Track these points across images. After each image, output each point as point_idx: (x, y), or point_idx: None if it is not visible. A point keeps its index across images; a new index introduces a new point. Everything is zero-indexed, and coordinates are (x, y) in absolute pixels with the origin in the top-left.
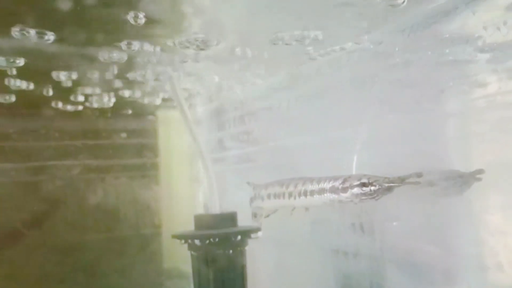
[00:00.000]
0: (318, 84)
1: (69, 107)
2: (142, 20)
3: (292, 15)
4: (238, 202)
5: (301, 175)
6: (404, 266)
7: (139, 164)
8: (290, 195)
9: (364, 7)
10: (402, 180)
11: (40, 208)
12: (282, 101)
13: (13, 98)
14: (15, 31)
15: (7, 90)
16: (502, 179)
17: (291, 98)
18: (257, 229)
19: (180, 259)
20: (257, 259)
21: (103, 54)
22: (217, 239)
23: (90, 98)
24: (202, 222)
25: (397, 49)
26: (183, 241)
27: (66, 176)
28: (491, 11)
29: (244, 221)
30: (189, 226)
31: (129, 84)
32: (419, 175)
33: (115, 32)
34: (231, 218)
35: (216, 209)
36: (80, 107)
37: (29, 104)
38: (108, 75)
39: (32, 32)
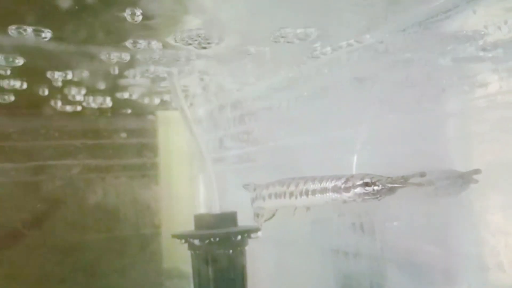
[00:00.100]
0: (318, 84)
1: (69, 107)
2: (139, 18)
3: (293, 14)
4: (238, 202)
5: (301, 175)
6: (405, 266)
7: (139, 164)
8: (291, 194)
9: (364, 6)
10: (405, 180)
11: (40, 208)
12: (282, 101)
13: (12, 97)
14: (11, 29)
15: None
16: (502, 179)
17: (291, 98)
18: (257, 229)
19: (180, 259)
20: (257, 259)
21: (103, 53)
22: (217, 239)
23: (89, 98)
24: (202, 222)
25: (397, 48)
26: (183, 240)
27: (66, 176)
28: (491, 10)
29: (244, 221)
30: (189, 226)
31: (129, 83)
32: (423, 174)
33: (115, 30)
34: (231, 218)
35: (216, 209)
36: (80, 107)
37: (28, 104)
38: (108, 75)
39: (29, 30)
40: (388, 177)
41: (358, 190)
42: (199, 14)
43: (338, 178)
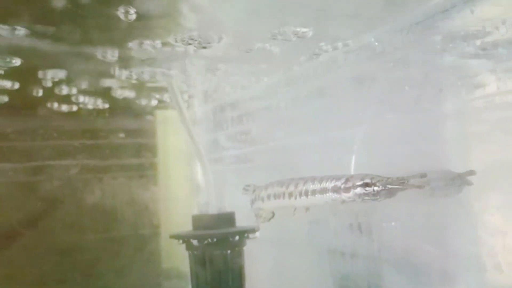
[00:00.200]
0: (316, 84)
1: (66, 107)
2: (133, 16)
3: (292, 14)
4: (236, 202)
5: (300, 175)
6: (402, 266)
7: (137, 164)
8: (291, 195)
9: (362, 6)
10: (406, 181)
11: (38, 208)
12: (280, 101)
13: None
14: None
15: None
16: (501, 179)
17: (289, 98)
18: (255, 230)
19: (178, 259)
20: (255, 259)
21: (98, 53)
22: (215, 239)
23: (86, 98)
24: (200, 222)
25: (395, 48)
26: (181, 241)
27: (64, 176)
28: (489, 10)
29: (242, 221)
30: (187, 226)
31: (127, 83)
32: (423, 176)
33: (112, 30)
34: (229, 219)
35: (214, 210)
36: (80, 107)
37: (25, 104)
38: (105, 75)
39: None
40: (389, 178)
41: (358, 190)
42: (196, 13)
43: (337, 178)
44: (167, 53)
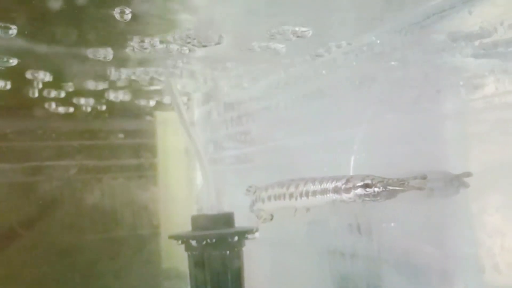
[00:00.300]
0: (316, 84)
1: (66, 108)
2: (128, 16)
3: (290, 14)
4: (235, 203)
5: (300, 175)
6: (402, 267)
7: (137, 164)
8: (291, 196)
9: (361, 7)
10: (406, 183)
11: (37, 209)
12: (280, 101)
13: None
14: None
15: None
16: (500, 180)
17: (289, 98)
18: (254, 230)
19: (177, 259)
20: (254, 260)
21: (95, 54)
22: (214, 240)
23: (85, 99)
24: (199, 222)
25: (394, 48)
26: (180, 241)
27: (63, 177)
28: (487, 11)
29: (241, 221)
30: (186, 227)
31: (126, 84)
32: (424, 177)
33: (108, 30)
34: (228, 219)
35: (213, 210)
36: (80, 108)
37: (23, 104)
38: (104, 75)
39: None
40: (389, 179)
41: (359, 191)
42: (195, 13)
43: (338, 179)
44: (166, 53)
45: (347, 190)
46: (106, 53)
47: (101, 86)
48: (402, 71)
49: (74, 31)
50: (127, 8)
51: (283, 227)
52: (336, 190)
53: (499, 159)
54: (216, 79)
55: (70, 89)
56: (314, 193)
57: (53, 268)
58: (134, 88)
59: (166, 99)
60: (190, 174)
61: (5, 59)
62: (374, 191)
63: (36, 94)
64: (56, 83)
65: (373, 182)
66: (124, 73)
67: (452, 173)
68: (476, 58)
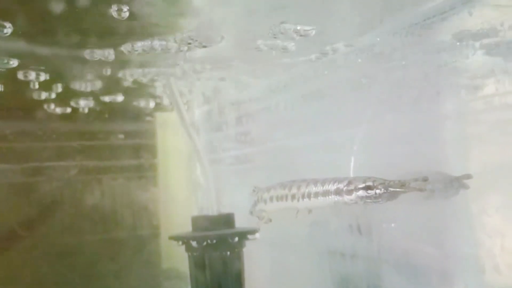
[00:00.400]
0: (316, 85)
1: (66, 109)
2: (126, 14)
3: (290, 14)
4: (236, 203)
5: (300, 175)
6: (402, 267)
7: (137, 165)
8: (293, 197)
9: (361, 7)
10: (407, 184)
11: (37, 209)
12: (280, 101)
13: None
14: None
15: None
16: (499, 180)
17: (289, 99)
18: (254, 231)
19: (178, 260)
20: (255, 261)
21: (95, 55)
22: (214, 241)
23: (85, 100)
24: (199, 223)
25: (394, 49)
26: (180, 242)
27: (63, 177)
28: (488, 12)
29: (242, 222)
30: (187, 228)
31: (126, 85)
32: (425, 179)
33: (108, 30)
34: (228, 220)
35: (213, 211)
36: (79, 109)
37: (22, 106)
38: (104, 76)
39: None
40: (391, 181)
41: (360, 193)
42: (196, 13)
43: (340, 181)
44: (166, 53)
45: (349, 192)
46: (107, 54)
47: (101, 86)
48: (402, 71)
49: (74, 31)
50: (125, 5)
51: (284, 227)
52: (338, 192)
53: (499, 160)
54: (216, 80)
55: (70, 90)
56: (316, 194)
57: (53, 268)
58: (134, 88)
59: (166, 100)
60: (190, 175)
61: (5, 61)
62: (375, 193)
63: (35, 95)
64: (56, 84)
65: (375, 184)
66: (124, 73)
67: (451, 175)
68: (476, 59)
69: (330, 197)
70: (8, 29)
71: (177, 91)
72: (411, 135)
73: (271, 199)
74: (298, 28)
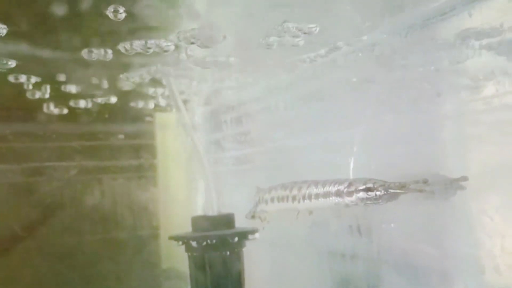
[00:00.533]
0: (316, 86)
1: (66, 109)
2: (122, 15)
3: (290, 14)
4: (236, 204)
5: (299, 176)
6: (401, 268)
7: (137, 165)
8: (294, 198)
9: (362, 8)
10: (407, 186)
11: (37, 210)
12: (279, 102)
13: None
14: None
15: None
16: (499, 181)
17: (288, 99)
18: (254, 231)
19: (178, 260)
20: (255, 261)
21: (95, 55)
22: (214, 241)
23: (85, 101)
24: (199, 223)
25: (394, 50)
26: (180, 242)
27: (63, 178)
28: (487, 13)
29: (242, 222)
30: (187, 228)
31: (127, 85)
32: (425, 181)
33: (108, 30)
34: (228, 220)
35: (213, 211)
36: (78, 109)
37: (23, 107)
38: (104, 76)
39: None
40: (391, 183)
41: (361, 195)
42: (196, 14)
43: (340, 182)
44: (167, 53)
45: (350, 194)
46: (106, 54)
47: (101, 86)
48: (401, 71)
49: (74, 32)
50: (121, 7)
51: (284, 228)
52: (338, 194)
53: (499, 160)
54: (216, 80)
55: (70, 90)
56: (317, 196)
57: (53, 269)
58: (134, 89)
59: (166, 100)
60: (190, 175)
61: (4, 61)
62: (376, 195)
63: (35, 95)
64: (56, 84)
65: (375, 186)
66: (125, 74)
67: (449, 177)
68: (476, 60)
69: (330, 198)
70: (3, 30)
71: (177, 91)
72: (411, 135)
73: (272, 200)
74: (301, 25)
